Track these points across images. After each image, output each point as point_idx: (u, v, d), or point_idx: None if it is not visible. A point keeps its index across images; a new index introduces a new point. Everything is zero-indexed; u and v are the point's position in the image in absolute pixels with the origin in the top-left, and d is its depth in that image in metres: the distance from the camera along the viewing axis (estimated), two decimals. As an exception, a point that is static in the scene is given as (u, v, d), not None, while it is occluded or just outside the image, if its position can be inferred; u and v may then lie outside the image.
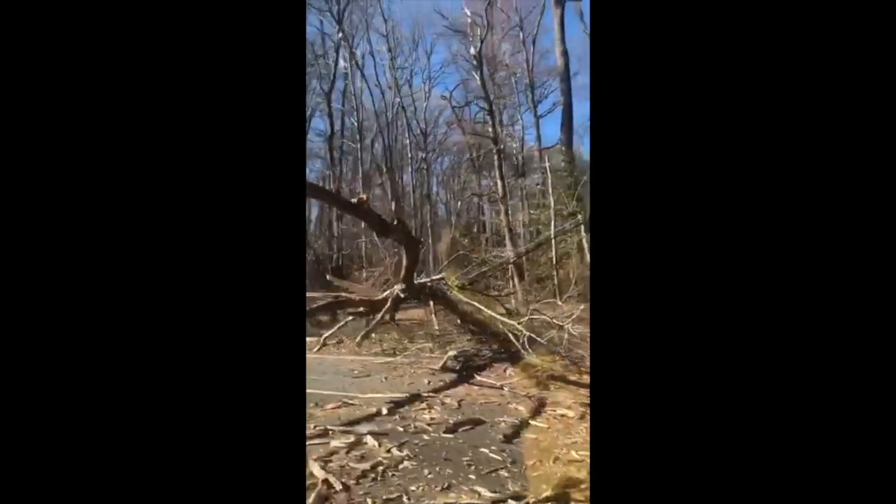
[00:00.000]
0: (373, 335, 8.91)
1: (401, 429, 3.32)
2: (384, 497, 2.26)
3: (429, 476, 2.51)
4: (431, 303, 8.08)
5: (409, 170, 18.86)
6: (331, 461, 2.71)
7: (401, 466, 2.64)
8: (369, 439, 3.04)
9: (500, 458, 2.77)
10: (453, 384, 4.79)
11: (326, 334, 8.15)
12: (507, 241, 11.13)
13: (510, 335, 6.38)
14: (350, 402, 4.05)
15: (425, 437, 3.17)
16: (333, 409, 3.93)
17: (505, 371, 5.50)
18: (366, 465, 2.62)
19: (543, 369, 5.02)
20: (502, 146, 12.83)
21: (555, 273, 10.25)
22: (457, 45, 18.42)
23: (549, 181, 10.73)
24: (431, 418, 3.55)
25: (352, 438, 3.05)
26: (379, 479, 2.47)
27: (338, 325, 8.19)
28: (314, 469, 2.54)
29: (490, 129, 13.00)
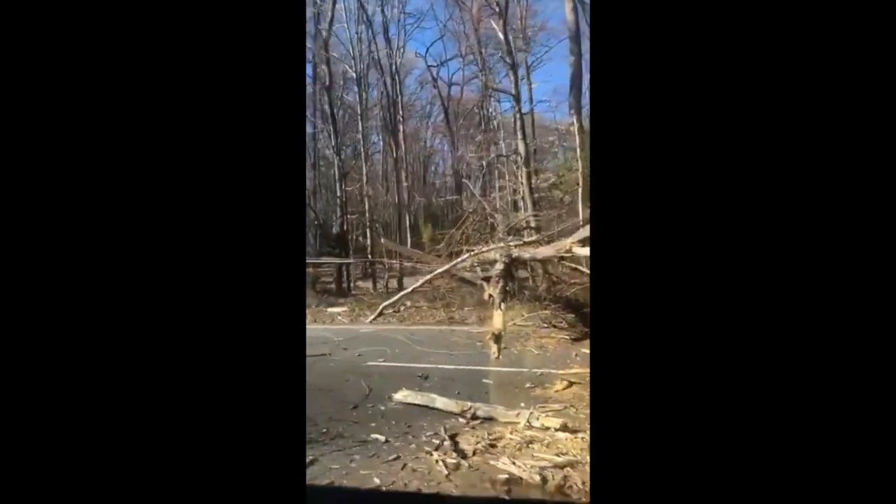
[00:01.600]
0: (407, 302, 8.16)
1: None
2: None
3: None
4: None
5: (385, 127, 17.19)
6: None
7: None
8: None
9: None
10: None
11: (385, 304, 7.34)
12: (529, 207, 10.73)
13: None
14: (573, 380, 3.59)
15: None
16: (566, 389, 3.44)
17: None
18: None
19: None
20: (519, 105, 12.07)
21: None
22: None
23: (578, 142, 10.34)
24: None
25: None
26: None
27: (400, 294, 7.42)
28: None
29: (511, 87, 12.17)
